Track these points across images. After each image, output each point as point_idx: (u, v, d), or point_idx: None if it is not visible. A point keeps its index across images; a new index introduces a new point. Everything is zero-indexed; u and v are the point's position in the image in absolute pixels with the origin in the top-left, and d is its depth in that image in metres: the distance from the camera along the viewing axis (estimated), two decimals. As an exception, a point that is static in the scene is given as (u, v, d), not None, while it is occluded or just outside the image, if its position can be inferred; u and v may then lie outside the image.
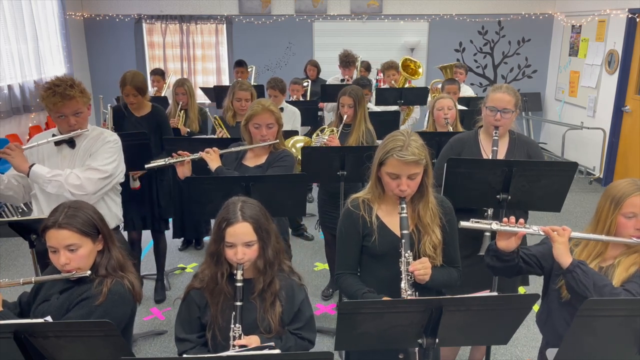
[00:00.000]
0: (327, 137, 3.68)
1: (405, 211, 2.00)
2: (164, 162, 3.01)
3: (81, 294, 1.94)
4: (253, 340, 1.89)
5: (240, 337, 1.88)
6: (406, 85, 6.29)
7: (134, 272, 2.10)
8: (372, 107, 5.00)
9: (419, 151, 1.98)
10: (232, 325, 1.89)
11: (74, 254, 1.91)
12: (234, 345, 1.86)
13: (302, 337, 2.05)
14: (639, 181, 1.97)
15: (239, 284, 1.90)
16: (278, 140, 3.00)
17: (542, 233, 1.98)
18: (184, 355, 1.95)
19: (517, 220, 1.99)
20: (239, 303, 1.90)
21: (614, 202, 1.95)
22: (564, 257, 1.92)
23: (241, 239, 1.92)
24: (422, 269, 1.96)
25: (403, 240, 1.99)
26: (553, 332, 2.10)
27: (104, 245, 2.02)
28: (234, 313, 1.90)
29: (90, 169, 2.66)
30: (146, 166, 3.04)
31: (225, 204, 2.01)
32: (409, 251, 1.98)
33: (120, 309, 1.96)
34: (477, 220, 1.97)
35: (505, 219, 1.99)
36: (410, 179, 2.00)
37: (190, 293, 2.05)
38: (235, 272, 1.92)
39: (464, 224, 1.98)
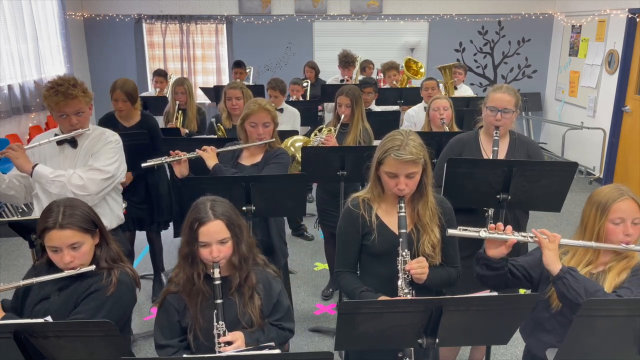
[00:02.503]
0: (325, 136, 3.68)
1: (403, 210, 2.01)
2: (161, 161, 3.02)
3: (88, 287, 1.97)
4: (237, 336, 1.91)
5: (224, 334, 1.89)
6: (407, 86, 6.30)
7: (128, 261, 2.16)
8: (374, 107, 5.00)
9: (416, 150, 1.98)
10: (215, 324, 1.90)
11: (77, 251, 1.95)
12: (219, 343, 1.87)
13: (282, 327, 2.09)
14: (622, 186, 1.97)
15: (217, 282, 1.91)
16: (274, 139, 3.01)
17: (530, 239, 1.94)
18: (184, 355, 1.95)
19: (505, 226, 1.94)
20: (219, 301, 1.91)
21: (600, 209, 1.93)
22: (554, 264, 1.89)
23: (215, 237, 1.93)
24: (418, 268, 1.97)
25: (401, 239, 1.99)
26: (538, 343, 2.07)
27: (101, 238, 2.06)
28: (215, 311, 1.91)
29: (92, 169, 2.67)
30: (143, 165, 3.04)
31: (193, 205, 2.00)
32: (406, 250, 1.99)
33: (127, 297, 2.04)
34: (464, 228, 1.92)
35: (492, 225, 1.95)
36: (409, 178, 2.00)
37: (167, 298, 2.04)
38: (212, 271, 1.93)
39: (451, 232, 1.93)
